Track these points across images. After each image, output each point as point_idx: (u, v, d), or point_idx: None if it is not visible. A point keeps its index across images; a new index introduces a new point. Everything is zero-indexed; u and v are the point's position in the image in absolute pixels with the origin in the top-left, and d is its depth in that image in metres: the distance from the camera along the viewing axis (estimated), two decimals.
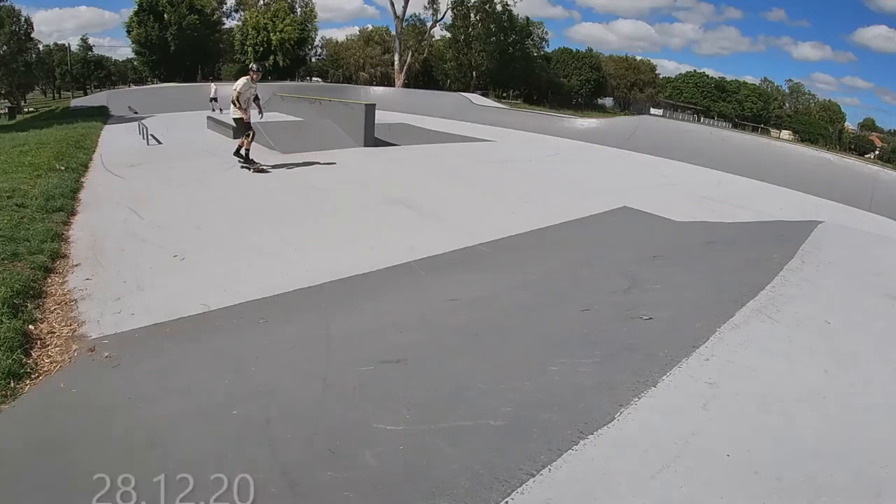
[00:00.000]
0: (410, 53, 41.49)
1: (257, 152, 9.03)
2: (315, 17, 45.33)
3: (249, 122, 7.28)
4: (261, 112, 7.73)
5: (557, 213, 5.92)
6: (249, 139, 7.28)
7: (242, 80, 7.21)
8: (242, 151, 7.40)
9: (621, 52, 58.83)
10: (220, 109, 17.21)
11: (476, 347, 2.59)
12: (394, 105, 20.91)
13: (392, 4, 37.62)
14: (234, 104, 7.17)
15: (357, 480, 1.45)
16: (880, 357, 1.93)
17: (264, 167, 7.36)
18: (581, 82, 53.96)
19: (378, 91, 25.38)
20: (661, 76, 59.44)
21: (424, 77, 49.46)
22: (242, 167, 7.31)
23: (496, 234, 4.96)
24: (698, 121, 49.21)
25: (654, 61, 59.23)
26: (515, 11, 47.62)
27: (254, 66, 7.61)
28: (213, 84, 20.57)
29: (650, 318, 2.35)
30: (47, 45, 50.20)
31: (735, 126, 48.67)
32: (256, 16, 42.08)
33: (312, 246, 4.47)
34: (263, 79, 38.40)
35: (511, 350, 2.44)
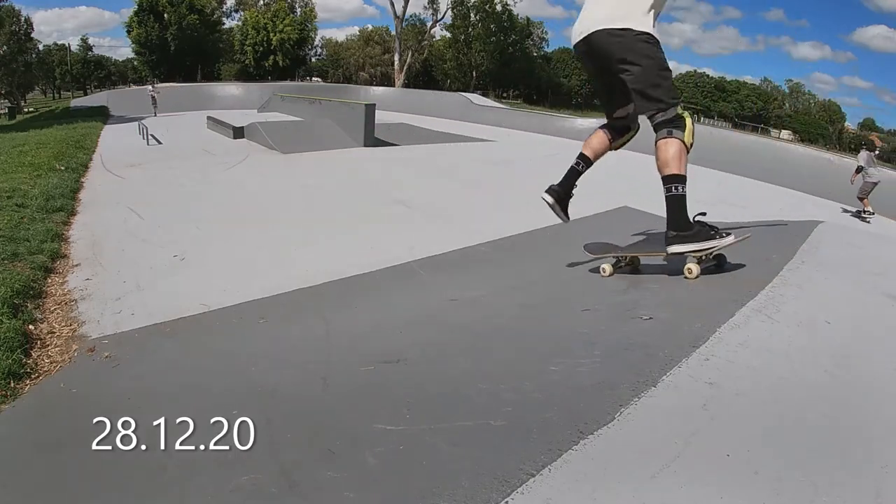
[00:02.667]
0: (410, 53, 41.50)
1: (256, 153, 9.02)
2: (315, 17, 45.38)
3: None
4: None
5: None
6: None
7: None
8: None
9: None
10: (155, 113, 17.15)
11: (476, 347, 2.59)
12: (394, 105, 20.91)
13: (392, 4, 37.67)
14: None
15: (357, 480, 1.45)
16: (880, 357, 1.93)
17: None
18: (581, 82, 53.93)
19: (378, 91, 25.42)
20: None
21: (424, 77, 49.45)
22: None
23: (496, 234, 4.95)
24: (698, 120, 49.19)
25: None
26: (515, 11, 47.64)
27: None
28: (151, 85, 19.91)
29: (650, 318, 2.35)
30: (47, 45, 50.17)
31: (735, 126, 48.67)
32: (256, 16, 42.12)
33: (312, 245, 4.47)
34: (263, 79, 38.48)
35: (511, 350, 2.44)
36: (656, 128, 2.55)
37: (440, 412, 1.78)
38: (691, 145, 2.57)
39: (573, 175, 3.05)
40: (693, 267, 2.61)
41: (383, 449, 1.57)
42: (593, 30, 2.53)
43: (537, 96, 52.95)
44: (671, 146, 2.52)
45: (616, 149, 3.09)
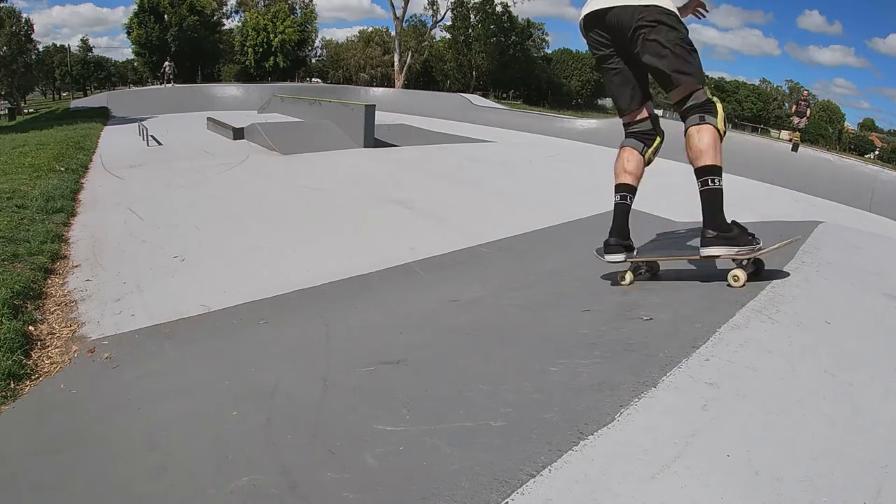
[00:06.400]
0: (410, 54, 41.49)
1: (256, 154, 9.02)
2: (315, 19, 45.42)
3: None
4: None
5: (557, 213, 5.92)
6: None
7: None
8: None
9: None
10: None
11: (476, 348, 2.59)
12: (394, 106, 20.89)
13: (392, 5, 37.64)
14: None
15: (357, 481, 1.45)
16: (880, 357, 1.93)
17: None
18: (582, 83, 54.03)
19: (378, 92, 25.38)
20: None
21: (424, 78, 49.53)
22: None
23: (496, 235, 4.96)
24: None
25: None
26: (515, 13, 47.72)
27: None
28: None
29: (650, 319, 2.34)
30: (47, 46, 50.35)
31: (734, 126, 48.68)
32: (256, 17, 42.20)
33: (312, 247, 4.47)
34: (263, 79, 38.50)
35: (511, 350, 2.44)
36: (686, 113, 2.23)
37: (440, 413, 1.78)
38: (724, 133, 2.23)
39: (624, 214, 2.64)
40: (740, 274, 2.27)
41: (383, 449, 1.57)
42: (614, 4, 2.24)
43: (537, 97, 52.95)
44: (705, 134, 2.19)
45: (648, 164, 2.64)
